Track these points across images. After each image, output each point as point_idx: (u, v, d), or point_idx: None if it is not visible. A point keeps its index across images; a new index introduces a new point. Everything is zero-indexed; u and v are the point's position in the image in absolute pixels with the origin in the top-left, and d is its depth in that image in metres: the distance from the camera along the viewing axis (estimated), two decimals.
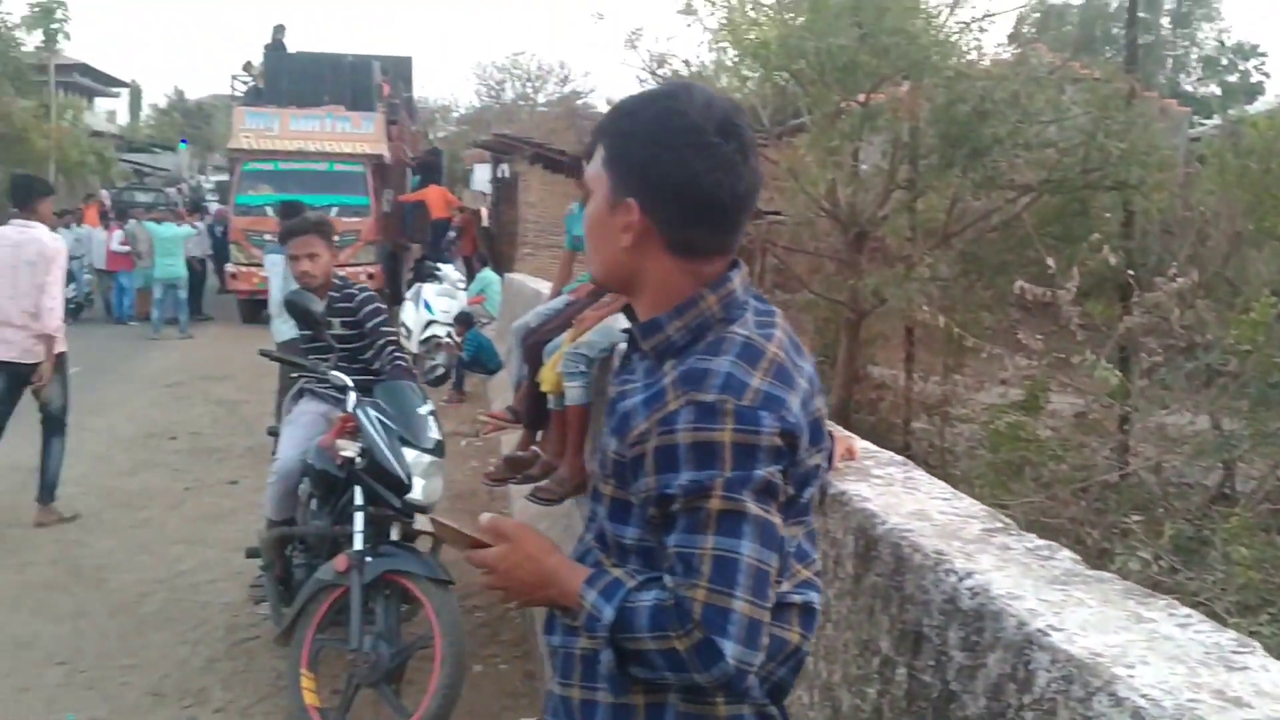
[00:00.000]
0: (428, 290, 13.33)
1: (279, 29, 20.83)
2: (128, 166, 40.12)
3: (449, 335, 12.21)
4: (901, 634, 1.83)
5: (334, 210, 15.41)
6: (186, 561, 6.03)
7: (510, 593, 1.53)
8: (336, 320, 4.70)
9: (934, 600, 1.73)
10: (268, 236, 16.55)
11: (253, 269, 17.08)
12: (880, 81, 11.34)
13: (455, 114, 46.17)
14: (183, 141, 49.21)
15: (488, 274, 15.18)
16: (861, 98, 11.79)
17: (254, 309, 17.85)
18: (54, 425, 6.91)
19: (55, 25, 30.27)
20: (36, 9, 29.79)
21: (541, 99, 43.58)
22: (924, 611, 1.76)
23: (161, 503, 7.28)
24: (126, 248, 17.91)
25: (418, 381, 4.71)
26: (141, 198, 30.29)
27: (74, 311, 18.17)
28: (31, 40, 31.06)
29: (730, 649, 1.32)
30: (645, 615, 1.38)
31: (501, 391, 10.20)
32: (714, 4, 13.73)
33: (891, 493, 2.15)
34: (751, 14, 11.66)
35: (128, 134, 49.66)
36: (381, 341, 4.71)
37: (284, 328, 8.35)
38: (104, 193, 28.87)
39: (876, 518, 1.98)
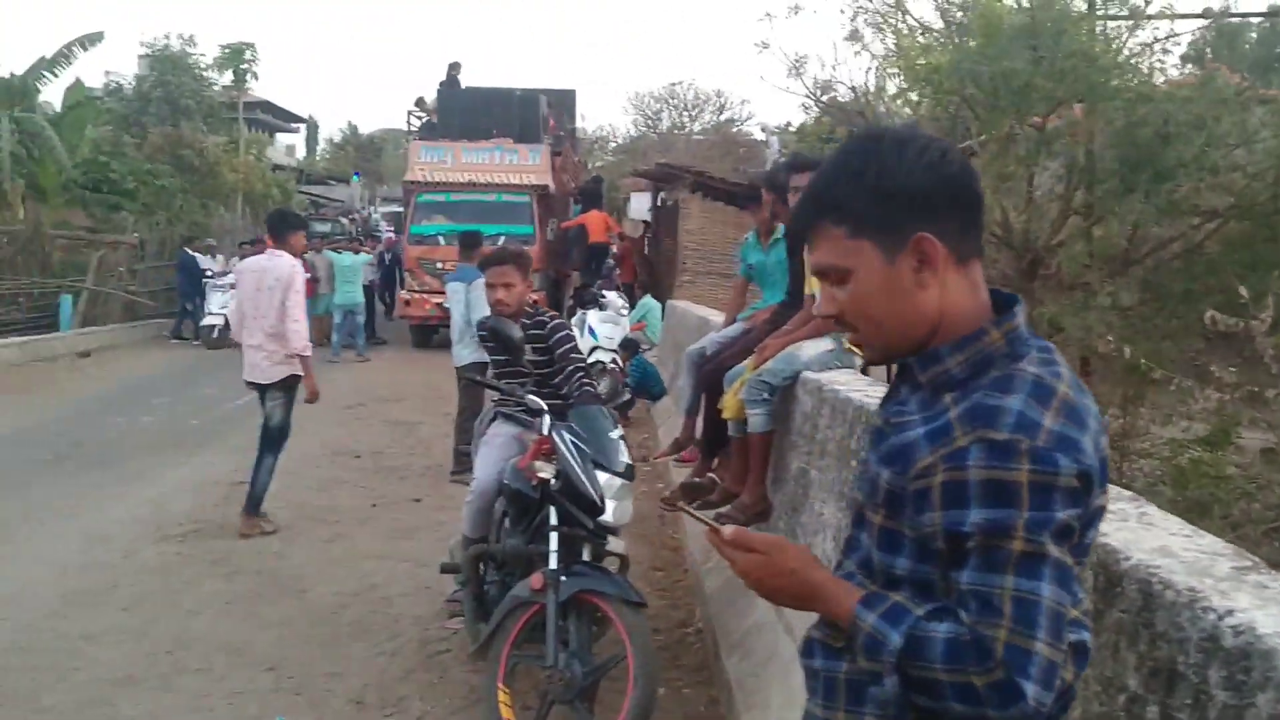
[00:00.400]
0: (592, 317, 13.54)
1: (454, 66, 21.56)
2: (305, 198, 42.23)
3: (614, 361, 12.34)
4: (1152, 672, 1.79)
5: (500, 239, 15.58)
6: (378, 575, 6.28)
7: (764, 595, 1.57)
8: (529, 346, 4.87)
9: (1190, 638, 1.69)
10: (440, 264, 17.25)
11: (425, 296, 17.78)
12: (1056, 105, 11.02)
13: (613, 144, 47.15)
14: (355, 174, 51.51)
15: (649, 300, 15.52)
16: (1037, 121, 11.49)
17: (425, 334, 18.67)
18: (270, 441, 7.31)
19: (244, 66, 32.17)
20: (227, 50, 31.84)
21: (697, 127, 44.18)
22: (1179, 649, 1.72)
23: (351, 518, 7.61)
24: (306, 275, 18.79)
25: (605, 406, 4.78)
26: (319, 228, 31.76)
27: None
28: (222, 79, 33.22)
29: (1030, 690, 1.33)
30: (939, 646, 1.38)
31: (667, 417, 10.34)
32: (881, 30, 13.68)
33: (1128, 528, 2.10)
34: (922, 39, 11.50)
35: (305, 167, 52.23)
36: (570, 368, 4.85)
37: (464, 352, 8.75)
38: None
39: (1119, 553, 1.94)
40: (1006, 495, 1.35)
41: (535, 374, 4.87)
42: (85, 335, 18.30)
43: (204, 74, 32.96)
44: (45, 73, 22.89)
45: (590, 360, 12.94)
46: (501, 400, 5.09)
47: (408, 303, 18.03)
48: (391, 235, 25.22)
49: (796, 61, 13.64)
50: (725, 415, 5.21)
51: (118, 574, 6.22)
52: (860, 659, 1.46)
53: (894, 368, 1.66)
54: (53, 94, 25.97)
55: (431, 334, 18.76)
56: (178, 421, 11.63)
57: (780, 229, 6.11)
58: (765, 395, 4.89)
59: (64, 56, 22.96)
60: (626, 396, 11.80)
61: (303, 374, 7.18)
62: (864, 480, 1.59)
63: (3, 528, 7.17)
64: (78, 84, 25.34)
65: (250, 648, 5.17)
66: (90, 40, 23.18)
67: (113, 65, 63.05)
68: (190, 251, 19.94)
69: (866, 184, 1.50)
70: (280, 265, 7.16)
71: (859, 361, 4.99)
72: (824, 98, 14.78)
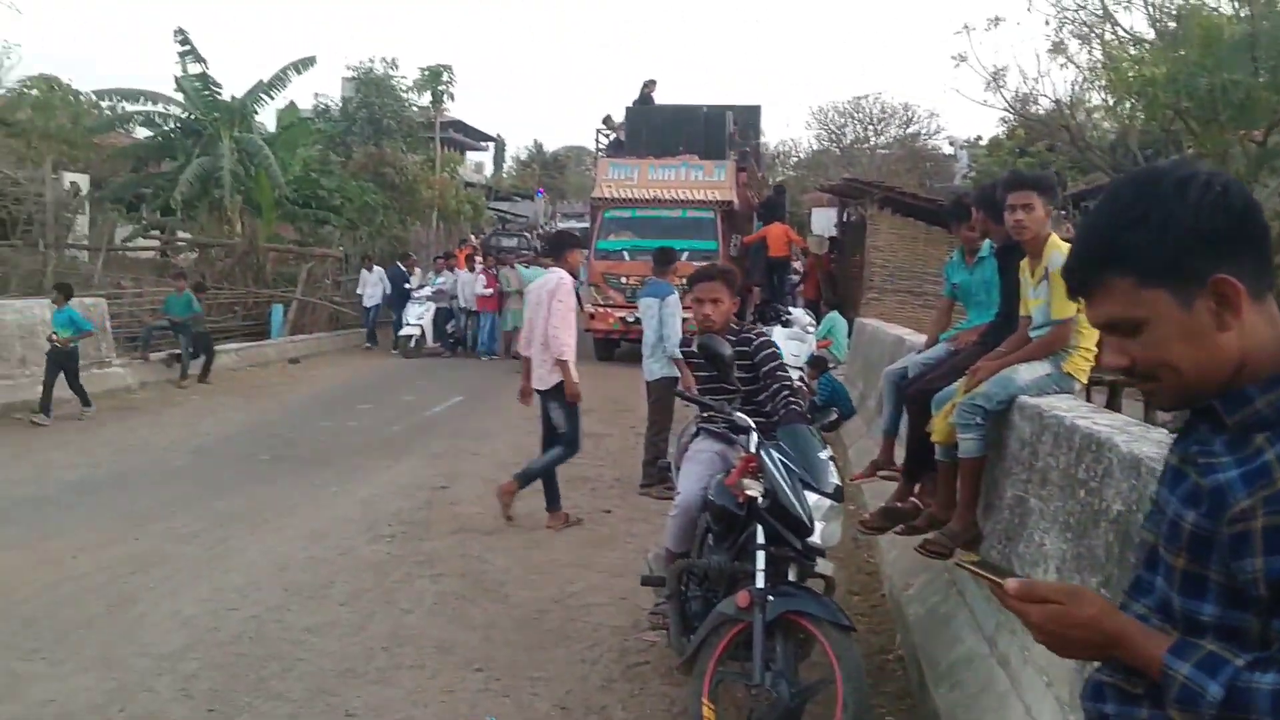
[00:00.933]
0: (778, 334, 13.67)
1: (649, 84, 21.92)
2: (492, 213, 43.74)
3: (801, 379, 12.21)
4: None
5: (684, 255, 15.95)
6: (576, 584, 6.41)
7: (1056, 649, 1.51)
8: (735, 363, 4.87)
9: None
10: (625, 279, 17.72)
11: (609, 310, 18.12)
12: (1278, 119, 10.42)
13: (794, 158, 47.10)
14: (539, 191, 52.84)
15: (834, 317, 15.30)
16: (1257, 136, 10.87)
17: (608, 347, 18.99)
18: (558, 442, 7.86)
19: (441, 87, 33.32)
20: (426, 73, 33.14)
21: (882, 141, 43.77)
22: None
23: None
24: (490, 290, 19.39)
25: (811, 426, 4.73)
26: (506, 243, 32.74)
27: (451, 346, 19.90)
28: (420, 100, 34.62)
29: None
30: (1267, 699, 1.32)
31: (857, 437, 10.17)
32: (1087, 41, 13.17)
33: None
34: (1133, 50, 11.02)
35: (493, 183, 53.98)
36: (776, 385, 4.84)
37: (655, 367, 8.90)
38: (473, 238, 31.69)
39: None
40: None
41: (742, 391, 4.88)
42: (294, 343, 19.35)
43: (404, 95, 34.47)
44: (262, 95, 24.32)
45: None
46: (706, 416, 5.12)
47: (592, 316, 18.29)
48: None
49: (996, 74, 13.24)
50: (934, 439, 5.10)
51: (335, 570, 6.55)
52: (1173, 710, 1.40)
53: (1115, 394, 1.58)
54: (268, 115, 27.62)
55: (614, 347, 19.10)
56: (381, 427, 12.16)
57: (986, 246, 5.95)
58: (978, 419, 4.75)
59: (279, 80, 24.35)
60: (834, 416, 11.74)
61: (562, 379, 7.69)
62: (1159, 522, 1.53)
63: (232, 522, 7.67)
64: (291, 106, 26.98)
65: (459, 647, 5.35)
66: (303, 65, 24.53)
67: (322, 87, 66.64)
68: (402, 266, 20.99)
69: (1153, 230, 1.44)
70: (550, 278, 7.75)
71: (1078, 386, 4.85)
72: (1023, 110, 14.30)
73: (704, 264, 5.49)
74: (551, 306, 7.58)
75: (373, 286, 20.73)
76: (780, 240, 19.76)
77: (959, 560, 1.78)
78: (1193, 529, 1.43)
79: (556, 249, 8.10)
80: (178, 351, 14.87)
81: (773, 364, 4.92)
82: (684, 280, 6.02)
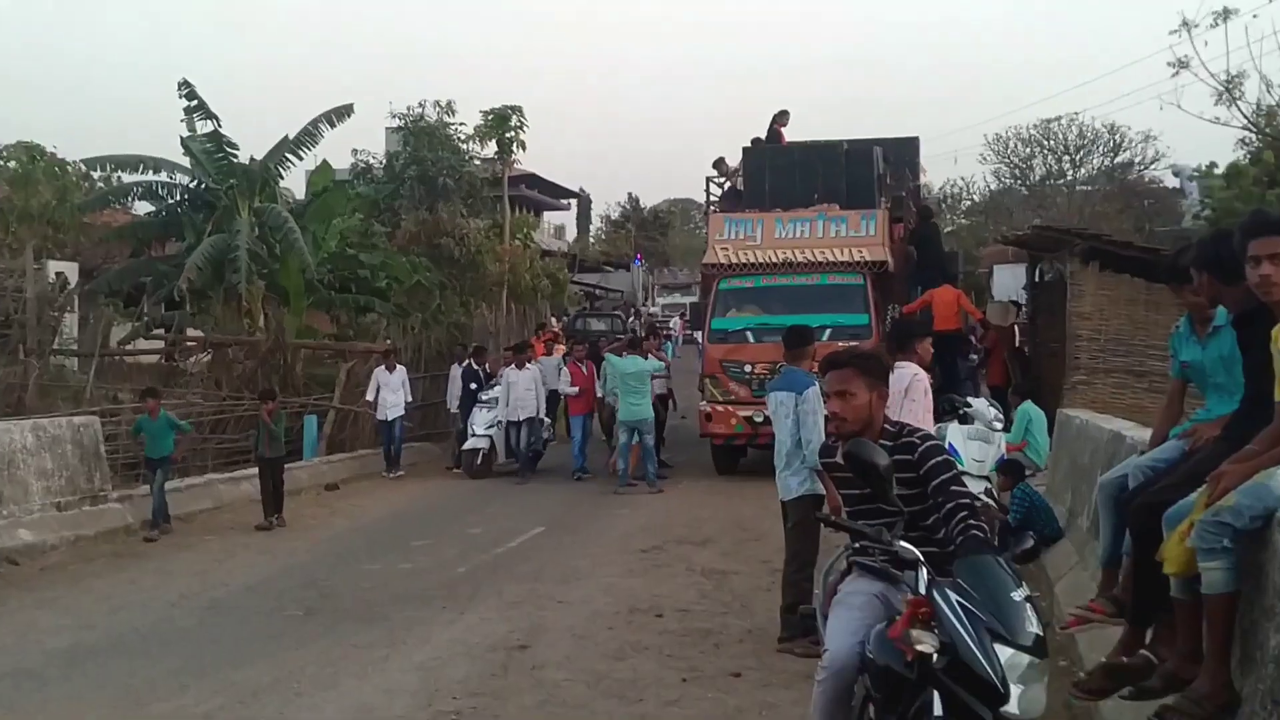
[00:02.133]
0: (954, 432, 13.25)
1: (780, 117, 22.36)
2: (577, 289, 44.74)
3: (988, 492, 11.98)
4: None
5: (825, 333, 16.13)
6: None
7: None
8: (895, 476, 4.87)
9: None
10: (750, 368, 17.90)
11: (730, 408, 18.16)
12: None
13: (966, 202, 47.30)
14: (636, 259, 54.38)
15: (1028, 409, 15.03)
16: None
17: (730, 456, 19.06)
18: None
19: (510, 134, 33.65)
20: (490, 117, 33.70)
21: (1082, 174, 43.71)
22: None
23: (656, 696, 7.74)
24: (576, 389, 19.75)
25: (1002, 556, 4.70)
26: (595, 325, 33.07)
27: (531, 462, 20.07)
28: (484, 152, 35.65)
29: None
30: None
31: (1065, 569, 10.04)
32: None
33: None
34: None
35: (577, 250, 55.18)
36: (951, 504, 4.84)
37: (793, 482, 8.90)
38: (553, 321, 31.99)
39: None
40: None
41: (905, 512, 4.86)
42: (333, 464, 19.79)
43: (463, 146, 35.65)
44: (288, 155, 25.29)
45: None
46: (859, 547, 5.11)
47: (709, 417, 18.39)
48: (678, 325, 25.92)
49: (1229, 82, 13.12)
50: (1166, 570, 5.00)
51: None
52: None
53: None
54: (296, 180, 28.46)
55: (738, 456, 19.06)
56: (443, 569, 12.30)
57: (1221, 313, 5.86)
58: (1226, 542, 4.63)
59: (309, 135, 25.39)
60: (1030, 543, 11.50)
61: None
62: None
63: (254, 697, 7.78)
64: (324, 166, 28.04)
65: None
66: (338, 115, 25.57)
67: (361, 142, 69.19)
68: (475, 365, 21.29)
69: None
70: (902, 375, 8.68)
71: None
72: (1269, 127, 14.13)
73: (839, 349, 5.51)
74: (904, 408, 8.32)
75: (393, 392, 20.52)
76: (950, 308, 19.59)
77: None
78: None
79: (903, 340, 9.31)
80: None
81: (946, 475, 4.94)
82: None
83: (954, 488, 4.90)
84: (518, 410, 19.50)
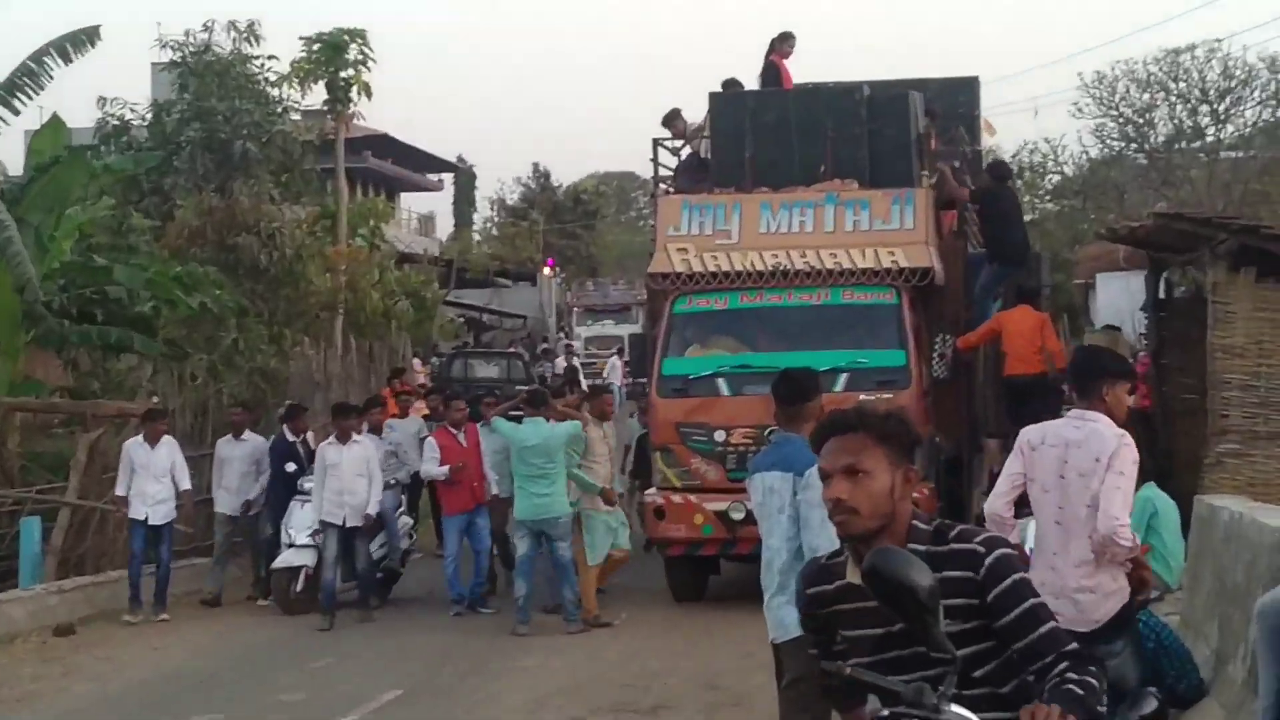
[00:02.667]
0: (1033, 532, 12.51)
1: (781, 42, 22.21)
2: (455, 314, 44.74)
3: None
4: None
5: (840, 380, 16.36)
6: None
7: None
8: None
9: None
10: (724, 434, 17.55)
11: (694, 498, 17.80)
12: None
13: (1052, 176, 47.02)
14: (548, 264, 54.61)
15: (1152, 497, 14.78)
16: None
17: (695, 574, 18.83)
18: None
19: (348, 74, 33.15)
20: (317, 46, 33.03)
21: (1228, 134, 43.31)
22: None
23: None
24: (445, 470, 19.00)
25: None
26: (483, 370, 33.21)
27: (385, 582, 19.75)
28: (306, 98, 35.09)
29: None
30: None
31: None
32: None
33: None
34: None
35: (456, 252, 55.06)
36: (1039, 655, 4.72)
37: (790, 614, 8.47)
38: (417, 363, 32.10)
39: None
40: None
41: (957, 658, 4.64)
42: (66, 595, 19.01)
43: (274, 92, 34.76)
44: None
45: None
46: (889, 715, 4.83)
47: (661, 512, 17.92)
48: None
49: None
50: None
51: None
52: None
53: None
54: (9, 145, 27.43)
55: (707, 573, 19.01)
56: None
57: None
58: None
59: (29, 75, 24.68)
60: (1154, 704, 10.48)
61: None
62: None
63: None
64: (54, 124, 26.95)
65: None
66: (76, 45, 25.03)
67: (114, 86, 66.44)
68: (290, 434, 20.81)
69: None
70: (1098, 436, 8.49)
71: None
72: None
73: (843, 409, 5.41)
74: (1107, 482, 8.34)
75: (157, 480, 19.08)
76: (1029, 341, 19.39)
77: None
78: None
79: (1088, 379, 8.91)
80: None
81: (1027, 605, 4.78)
82: None
83: (1041, 620, 4.75)
84: (343, 509, 18.42)
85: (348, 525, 18.21)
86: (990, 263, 21.47)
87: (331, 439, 18.80)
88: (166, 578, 19.00)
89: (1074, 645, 4.76)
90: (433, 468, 19.26)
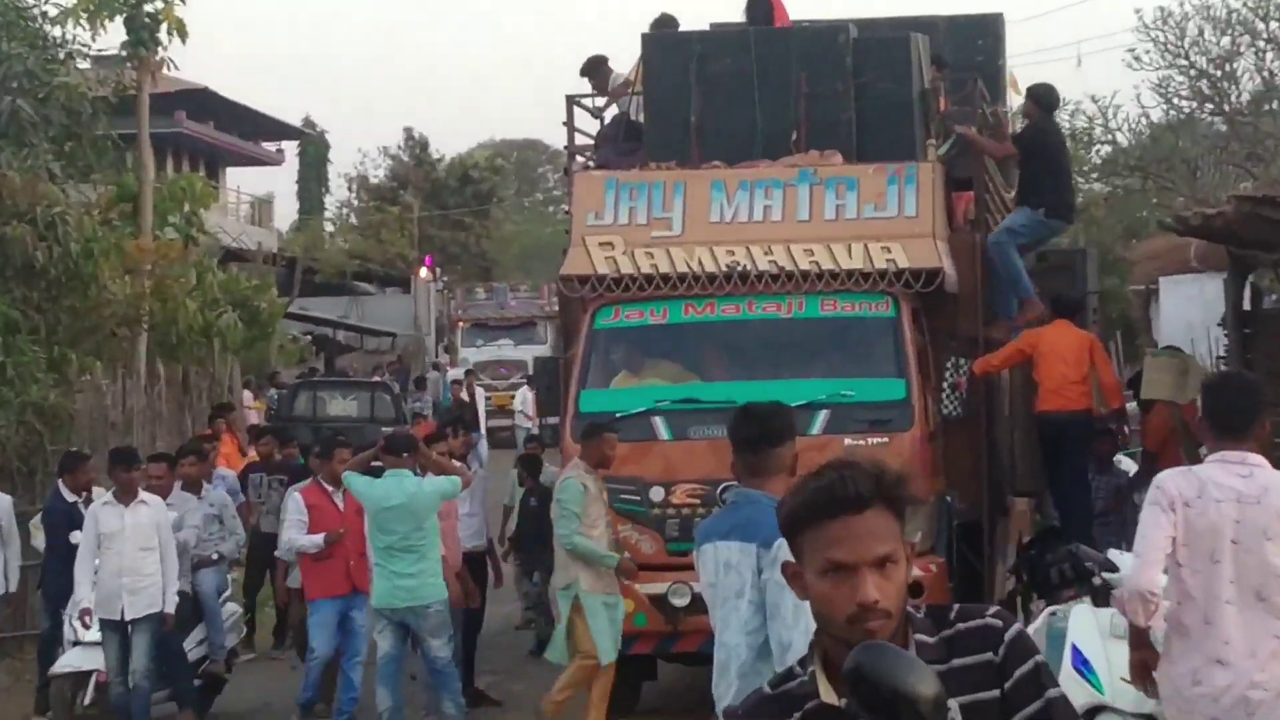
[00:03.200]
0: (1082, 623, 13.99)
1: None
2: (300, 330, 45.57)
3: None
4: None
5: (819, 416, 16.81)
6: None
7: None
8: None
9: None
10: (663, 494, 17.90)
11: (621, 579, 17.86)
12: None
13: (1101, 146, 47.15)
14: (427, 263, 56.13)
15: None
16: None
17: (625, 681, 18.73)
18: None
19: (152, 11, 33.62)
20: None
21: None
22: None
23: None
24: (317, 539, 19.20)
25: None
26: (336, 405, 34.38)
27: (206, 691, 20.12)
28: (98, 41, 35.15)
29: None
30: None
31: None
32: None
33: None
34: None
35: (300, 246, 55.14)
36: None
37: None
38: (248, 395, 33.16)
39: None
40: None
41: None
42: None
43: (54, 33, 34.71)
44: None
45: None
46: None
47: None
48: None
49: None
50: None
51: None
52: None
53: None
54: None
55: (641, 676, 19.25)
56: None
57: None
58: None
59: None
60: None
61: None
62: None
63: None
64: None
65: None
66: None
67: None
68: (69, 492, 20.47)
69: None
70: (1260, 489, 8.96)
71: None
72: None
73: (836, 480, 5.02)
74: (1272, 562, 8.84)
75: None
76: (1070, 368, 19.84)
77: None
78: None
79: (1241, 411, 9.39)
80: None
81: (1050, 694, 4.84)
82: None
83: None
84: (121, 598, 17.64)
85: (127, 619, 17.43)
86: (1029, 208, 21.28)
87: (108, 497, 17.92)
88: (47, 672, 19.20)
89: None
90: (299, 536, 19.24)
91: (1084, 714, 12.76)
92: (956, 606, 5.06)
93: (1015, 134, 22.42)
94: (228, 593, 20.99)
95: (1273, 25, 44.19)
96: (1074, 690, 12.79)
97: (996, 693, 4.82)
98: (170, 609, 17.48)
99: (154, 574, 17.31)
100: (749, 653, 9.08)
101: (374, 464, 19.33)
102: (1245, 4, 44.16)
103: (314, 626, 19.38)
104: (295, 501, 19.40)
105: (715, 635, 9.41)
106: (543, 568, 21.12)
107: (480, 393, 41.43)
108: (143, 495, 17.64)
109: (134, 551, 17.19)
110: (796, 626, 8.76)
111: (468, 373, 42.54)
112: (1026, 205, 21.34)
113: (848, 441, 16.63)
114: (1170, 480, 9.46)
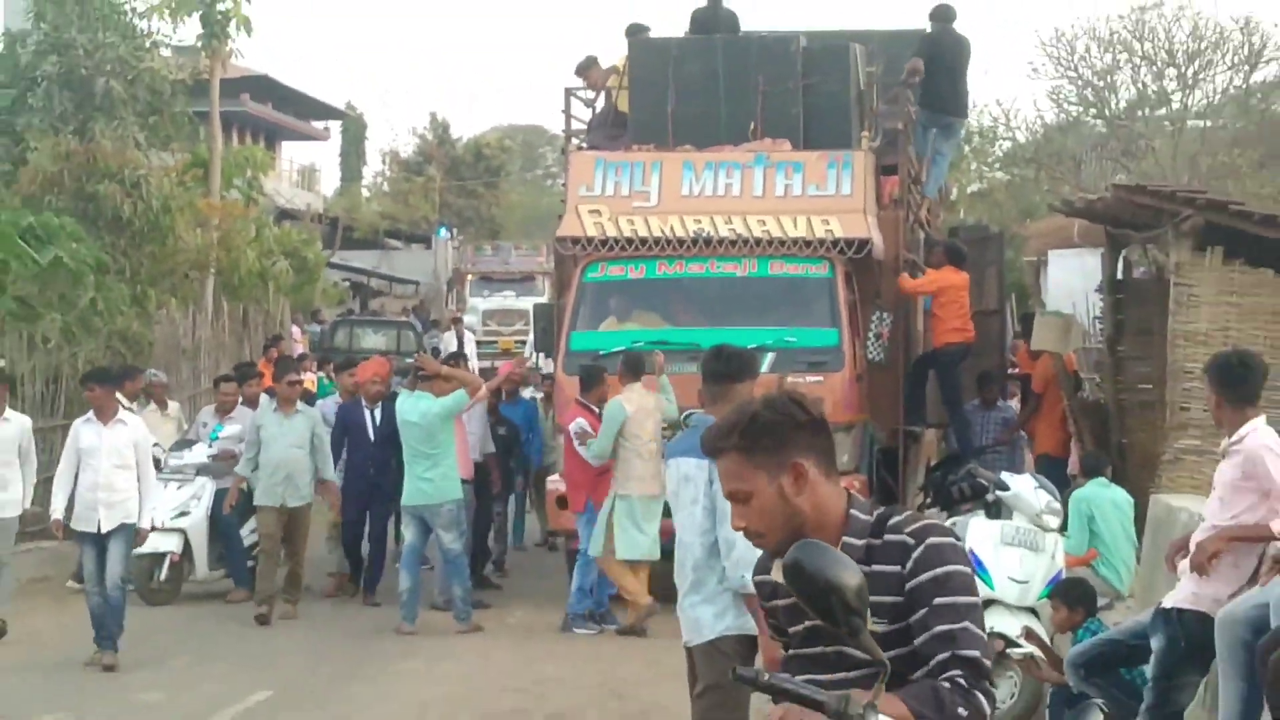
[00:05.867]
0: (978, 532, 12.16)
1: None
2: (339, 277, 42.76)
3: (1031, 635, 11.03)
4: None
5: (767, 358, 14.58)
6: None
7: None
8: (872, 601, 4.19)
9: None
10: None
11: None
12: None
13: (1003, 142, 44.97)
14: (441, 227, 52.44)
15: (1103, 495, 13.87)
16: None
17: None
18: None
19: (224, 8, 30.50)
20: None
21: (1196, 100, 40.70)
22: None
23: None
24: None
25: None
26: (369, 339, 32.44)
27: (251, 570, 17.28)
28: (177, 35, 32.13)
29: None
30: None
31: None
32: None
33: None
34: None
35: (342, 209, 51.79)
36: (928, 641, 4.23)
37: (705, 614, 8.26)
38: (296, 330, 30.86)
39: None
40: None
41: (885, 663, 3.92)
42: None
43: (141, 24, 31.43)
44: None
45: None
46: None
47: (563, 500, 16.18)
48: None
49: None
50: None
51: None
52: None
53: None
54: None
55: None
56: None
57: None
58: None
59: None
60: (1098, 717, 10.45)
61: None
62: None
63: None
64: None
65: None
66: None
67: None
68: (122, 397, 17.20)
69: None
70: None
71: None
72: None
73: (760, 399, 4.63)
74: None
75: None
76: (962, 309, 18.11)
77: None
78: None
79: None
80: None
81: (942, 600, 4.20)
82: None
83: (945, 627, 4.16)
84: (97, 510, 13.68)
85: (103, 531, 13.70)
86: (930, 110, 20.43)
87: (89, 416, 13.87)
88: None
89: (976, 654, 4.08)
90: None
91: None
92: (905, 516, 4.52)
93: (917, 46, 20.64)
94: None
95: (1147, 45, 41.62)
96: None
97: (901, 599, 4.32)
98: (145, 525, 13.92)
99: (128, 489, 13.65)
100: (702, 551, 8.03)
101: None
102: (1125, 26, 41.98)
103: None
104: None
105: (676, 535, 8.38)
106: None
107: (468, 335, 37.28)
108: (122, 415, 13.94)
109: (109, 468, 13.57)
110: (727, 525, 7.59)
111: (454, 320, 38.76)
112: (928, 107, 20.41)
113: (790, 379, 14.81)
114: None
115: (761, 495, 4.26)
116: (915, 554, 4.14)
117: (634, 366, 15.63)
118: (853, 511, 4.27)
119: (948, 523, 12.12)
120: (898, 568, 4.15)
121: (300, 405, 16.82)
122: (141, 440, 13.74)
